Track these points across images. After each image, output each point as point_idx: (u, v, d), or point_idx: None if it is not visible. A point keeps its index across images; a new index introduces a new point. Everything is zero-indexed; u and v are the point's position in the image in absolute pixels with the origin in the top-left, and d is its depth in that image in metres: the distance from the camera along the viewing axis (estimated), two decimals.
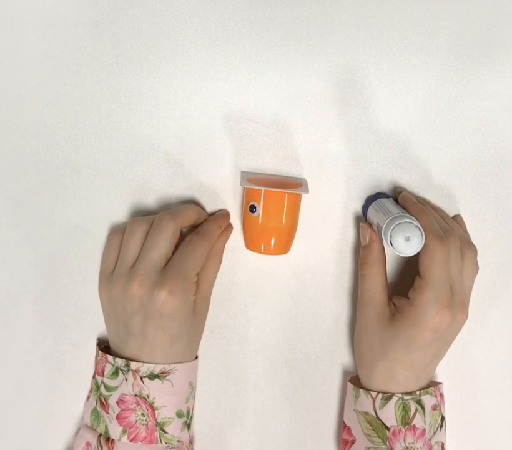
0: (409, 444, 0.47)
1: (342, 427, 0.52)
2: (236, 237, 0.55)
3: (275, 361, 0.56)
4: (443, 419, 0.50)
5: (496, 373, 0.56)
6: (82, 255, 0.55)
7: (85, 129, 0.54)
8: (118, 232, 0.51)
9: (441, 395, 0.51)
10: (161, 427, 0.48)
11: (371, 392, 0.48)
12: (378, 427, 0.48)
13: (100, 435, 0.49)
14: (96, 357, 0.52)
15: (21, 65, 0.54)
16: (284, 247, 0.52)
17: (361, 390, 0.49)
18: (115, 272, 0.50)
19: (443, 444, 0.50)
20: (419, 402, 0.48)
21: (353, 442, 0.50)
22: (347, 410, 0.52)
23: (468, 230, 0.55)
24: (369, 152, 0.54)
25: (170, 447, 0.49)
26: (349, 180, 0.54)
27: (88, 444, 0.49)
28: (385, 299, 0.50)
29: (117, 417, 0.48)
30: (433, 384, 0.50)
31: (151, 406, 0.48)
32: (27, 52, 0.54)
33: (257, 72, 0.54)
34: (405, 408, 0.47)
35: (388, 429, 0.47)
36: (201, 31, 0.53)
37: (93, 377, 0.52)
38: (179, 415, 0.49)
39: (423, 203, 0.52)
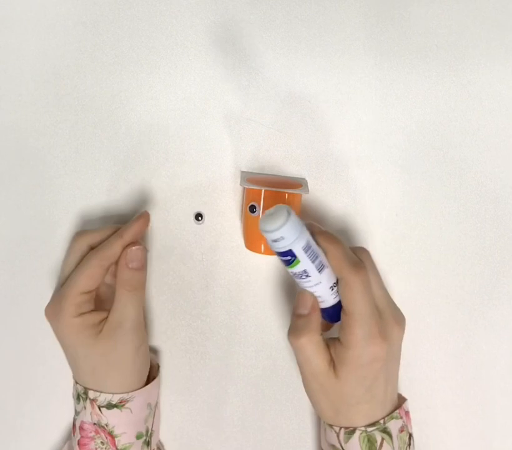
0: None
1: None
2: (236, 237, 0.55)
3: (275, 361, 0.56)
4: (410, 436, 0.49)
5: (497, 373, 0.56)
6: None
7: (85, 129, 0.54)
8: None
9: (407, 413, 0.49)
10: None
11: (334, 427, 0.47)
12: None
13: None
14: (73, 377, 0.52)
15: (21, 65, 0.54)
16: None
17: (326, 424, 0.48)
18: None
19: None
20: (384, 431, 0.46)
21: None
22: (322, 439, 0.51)
23: (468, 230, 0.55)
24: (369, 152, 0.54)
25: None
26: (349, 180, 0.54)
27: None
28: (327, 361, 0.45)
29: (78, 443, 0.49)
30: (399, 402, 0.49)
31: (110, 434, 0.48)
32: (27, 52, 0.54)
33: (257, 72, 0.54)
34: (370, 440, 0.46)
35: None
36: (201, 31, 0.53)
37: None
38: (139, 437, 0.49)
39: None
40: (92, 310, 0.48)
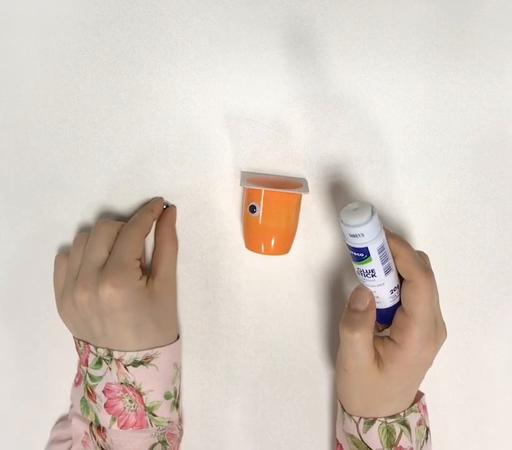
0: None
1: (335, 444, 0.53)
2: (236, 237, 0.55)
3: (275, 361, 0.56)
4: (427, 430, 0.50)
5: (497, 373, 0.56)
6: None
7: (85, 129, 0.54)
8: (61, 256, 0.52)
9: (424, 407, 0.50)
10: (150, 411, 0.48)
11: (354, 417, 0.48)
12: (364, 449, 0.48)
13: (91, 423, 0.50)
14: (77, 347, 0.52)
15: (21, 65, 0.54)
16: (284, 247, 0.52)
17: (345, 414, 0.49)
18: (64, 289, 0.50)
19: None
20: (404, 423, 0.47)
21: None
22: (338, 428, 0.52)
23: (468, 230, 0.55)
24: (369, 152, 0.54)
25: (161, 428, 0.49)
26: (349, 180, 0.54)
27: (86, 432, 0.50)
28: (373, 358, 0.46)
29: (105, 406, 0.49)
30: (417, 397, 0.50)
31: (138, 392, 0.48)
32: (27, 52, 0.54)
33: (257, 72, 0.54)
34: (389, 431, 0.47)
35: None
36: (201, 31, 0.53)
37: (79, 366, 0.52)
38: (167, 396, 0.49)
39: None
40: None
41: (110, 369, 0.48)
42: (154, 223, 0.53)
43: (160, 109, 0.54)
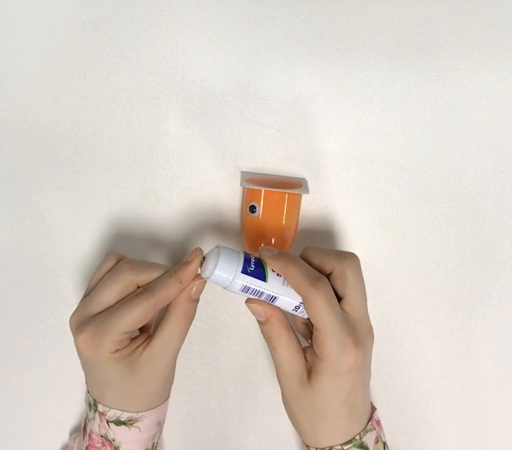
0: None
1: None
2: (236, 237, 0.55)
3: None
4: (384, 445, 0.48)
5: (496, 373, 0.56)
6: (82, 256, 0.55)
7: (85, 129, 0.54)
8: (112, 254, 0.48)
9: (378, 422, 0.48)
10: None
11: (311, 448, 0.46)
12: None
13: None
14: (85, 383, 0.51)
15: (21, 65, 0.54)
16: (284, 247, 0.52)
17: (304, 444, 0.47)
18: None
19: None
20: (361, 446, 0.45)
21: None
22: None
23: (468, 230, 0.55)
24: (369, 152, 0.54)
25: None
26: (349, 180, 0.54)
27: None
28: (301, 364, 0.45)
29: (86, 449, 0.48)
30: (369, 413, 0.48)
31: (116, 449, 0.47)
32: (27, 52, 0.54)
33: (257, 72, 0.54)
34: None
35: None
36: (201, 31, 0.53)
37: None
38: None
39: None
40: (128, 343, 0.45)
41: (94, 419, 0.47)
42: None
43: (160, 109, 0.54)
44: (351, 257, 0.45)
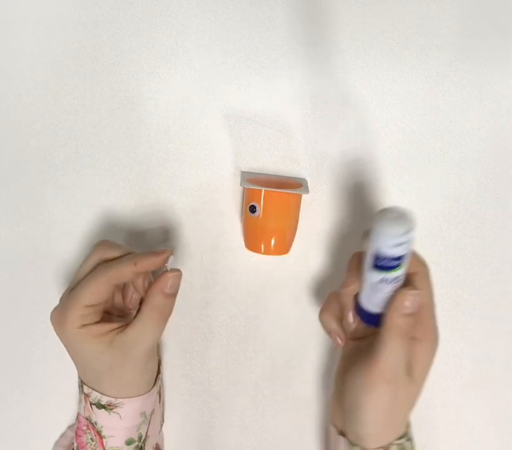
0: None
1: None
2: (236, 237, 0.55)
3: (275, 361, 0.56)
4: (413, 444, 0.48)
5: (496, 373, 0.56)
6: (82, 255, 0.55)
7: (85, 129, 0.54)
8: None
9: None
10: None
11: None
12: None
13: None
14: None
15: (21, 65, 0.54)
16: (284, 247, 0.52)
17: (354, 447, 0.46)
18: None
19: None
20: (409, 439, 0.47)
21: None
22: None
23: (468, 230, 0.55)
24: (369, 152, 0.54)
25: None
26: (350, 180, 0.54)
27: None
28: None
29: (76, 433, 0.49)
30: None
31: (99, 433, 0.47)
32: (27, 52, 0.54)
33: (257, 72, 0.54)
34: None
35: None
36: (201, 31, 0.53)
37: None
38: (129, 442, 0.48)
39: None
40: (98, 322, 0.46)
41: (81, 401, 0.48)
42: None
43: (160, 109, 0.54)
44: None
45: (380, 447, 0.45)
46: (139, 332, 0.45)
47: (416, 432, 0.53)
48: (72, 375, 0.55)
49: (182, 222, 0.54)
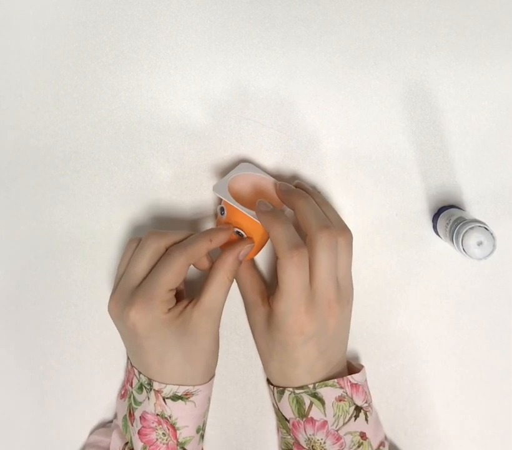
0: (310, 435, 0.48)
1: None
2: None
3: None
4: (358, 408, 0.49)
5: (496, 373, 0.56)
6: (82, 255, 0.55)
7: (85, 129, 0.54)
8: (134, 240, 0.50)
9: (354, 385, 0.49)
10: (182, 445, 0.48)
11: (270, 385, 0.50)
12: (281, 418, 0.50)
13: (127, 443, 0.50)
14: (127, 365, 0.52)
15: (21, 65, 0.54)
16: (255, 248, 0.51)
17: (266, 382, 0.51)
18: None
19: (363, 434, 0.49)
20: (314, 395, 0.48)
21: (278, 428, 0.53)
22: None
23: None
24: (369, 152, 0.54)
25: None
26: (350, 180, 0.54)
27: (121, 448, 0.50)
28: (265, 302, 0.50)
29: (139, 433, 0.48)
30: (341, 375, 0.50)
31: (173, 426, 0.48)
32: (27, 52, 0.54)
33: (257, 72, 0.54)
34: (299, 401, 0.48)
35: (288, 420, 0.49)
36: (201, 31, 0.53)
37: (126, 382, 0.52)
38: (198, 430, 0.49)
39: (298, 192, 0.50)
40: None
41: (148, 399, 0.48)
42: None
43: (160, 109, 0.54)
44: (326, 231, 0.47)
45: (276, 386, 0.50)
46: (215, 297, 0.48)
47: (416, 432, 0.53)
48: (72, 375, 0.55)
49: (181, 222, 0.54)
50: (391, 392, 0.55)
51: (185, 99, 0.54)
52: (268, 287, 0.53)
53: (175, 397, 0.47)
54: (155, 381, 0.47)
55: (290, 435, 0.49)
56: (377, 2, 0.53)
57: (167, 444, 0.48)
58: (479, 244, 0.45)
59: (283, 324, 0.47)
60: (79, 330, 0.56)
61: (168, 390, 0.47)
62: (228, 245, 0.49)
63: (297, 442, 0.49)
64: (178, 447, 0.48)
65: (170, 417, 0.48)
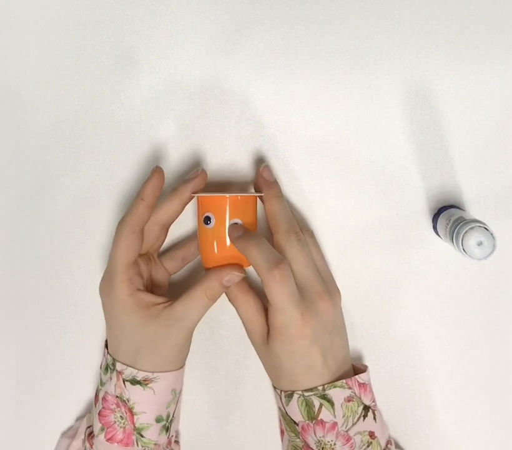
0: (320, 437, 0.48)
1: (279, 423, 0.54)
2: None
3: None
4: (366, 408, 0.49)
5: (496, 373, 0.56)
6: (82, 255, 0.55)
7: (85, 129, 0.54)
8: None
9: (362, 385, 0.50)
10: (139, 431, 0.48)
11: (277, 390, 0.49)
12: (289, 422, 0.49)
13: (89, 426, 0.51)
14: (104, 347, 0.53)
15: (21, 65, 0.54)
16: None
17: (273, 386, 0.50)
18: None
19: (372, 433, 0.49)
20: (324, 397, 0.48)
21: (283, 432, 0.52)
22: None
23: None
24: (370, 152, 0.54)
25: (146, 449, 0.49)
26: (349, 180, 0.54)
27: (85, 434, 0.51)
28: (263, 321, 0.49)
29: (99, 414, 0.49)
30: (347, 375, 0.50)
31: (130, 410, 0.48)
32: (27, 52, 0.54)
33: (257, 72, 0.54)
34: (308, 404, 0.48)
35: (297, 424, 0.48)
36: (201, 31, 0.53)
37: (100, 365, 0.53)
38: (158, 420, 0.49)
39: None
40: (144, 291, 0.49)
41: (111, 379, 0.48)
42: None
43: (160, 108, 0.54)
44: (293, 232, 0.48)
45: (283, 391, 0.48)
46: (188, 308, 0.47)
47: (416, 432, 0.53)
48: (71, 375, 0.55)
49: (181, 222, 0.54)
50: (391, 392, 0.55)
51: (185, 99, 0.54)
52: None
53: (134, 381, 0.48)
54: (118, 361, 0.48)
55: (299, 438, 0.49)
56: (377, 2, 0.53)
57: (124, 428, 0.48)
58: (479, 244, 0.45)
59: (286, 334, 0.47)
60: (79, 330, 0.56)
61: (128, 372, 0.48)
62: (221, 266, 0.49)
63: (307, 445, 0.48)
64: (135, 432, 0.48)
65: (128, 400, 0.48)
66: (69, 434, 0.55)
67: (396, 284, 0.55)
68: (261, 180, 0.51)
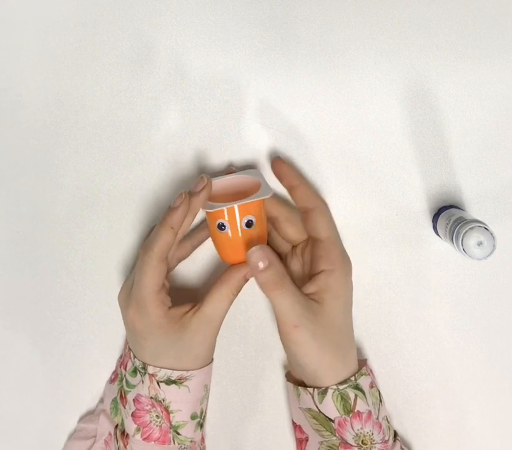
0: (358, 430, 0.47)
1: (293, 427, 0.53)
2: None
3: (275, 361, 0.56)
4: (379, 393, 0.51)
5: (496, 373, 0.56)
6: (82, 256, 0.55)
7: (85, 129, 0.54)
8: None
9: (371, 370, 0.52)
10: (175, 429, 0.49)
11: (308, 389, 0.48)
12: (323, 421, 0.48)
13: (117, 426, 0.50)
14: (124, 348, 0.53)
15: (21, 65, 0.54)
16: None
17: (300, 388, 0.49)
18: None
19: (387, 417, 0.50)
20: (356, 387, 0.48)
21: (306, 439, 0.50)
22: (293, 409, 0.52)
23: None
24: (369, 152, 0.54)
25: (183, 447, 0.50)
26: (349, 180, 0.54)
27: (110, 433, 0.51)
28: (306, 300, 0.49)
29: (132, 415, 0.49)
30: (362, 363, 0.51)
31: (166, 409, 0.48)
32: (27, 52, 0.54)
33: (257, 72, 0.54)
34: (344, 397, 0.47)
35: (333, 421, 0.47)
36: (201, 31, 0.53)
37: (120, 366, 0.53)
38: (193, 417, 0.50)
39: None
40: (172, 306, 0.49)
41: (143, 382, 0.49)
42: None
43: (160, 109, 0.54)
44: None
45: (315, 387, 0.48)
46: (216, 307, 0.48)
47: (416, 432, 0.53)
48: (71, 375, 0.55)
49: None
50: (391, 392, 0.55)
51: (185, 98, 0.54)
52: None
53: (169, 381, 0.48)
54: (150, 365, 0.48)
55: (335, 436, 0.48)
56: (377, 2, 0.53)
57: (160, 426, 0.49)
58: (479, 244, 0.45)
59: (333, 320, 0.48)
60: (79, 330, 0.56)
61: (162, 373, 0.48)
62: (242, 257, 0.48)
63: (344, 442, 0.48)
64: (172, 430, 0.49)
65: (163, 400, 0.48)
66: (79, 435, 0.54)
67: (396, 284, 0.55)
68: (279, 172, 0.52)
